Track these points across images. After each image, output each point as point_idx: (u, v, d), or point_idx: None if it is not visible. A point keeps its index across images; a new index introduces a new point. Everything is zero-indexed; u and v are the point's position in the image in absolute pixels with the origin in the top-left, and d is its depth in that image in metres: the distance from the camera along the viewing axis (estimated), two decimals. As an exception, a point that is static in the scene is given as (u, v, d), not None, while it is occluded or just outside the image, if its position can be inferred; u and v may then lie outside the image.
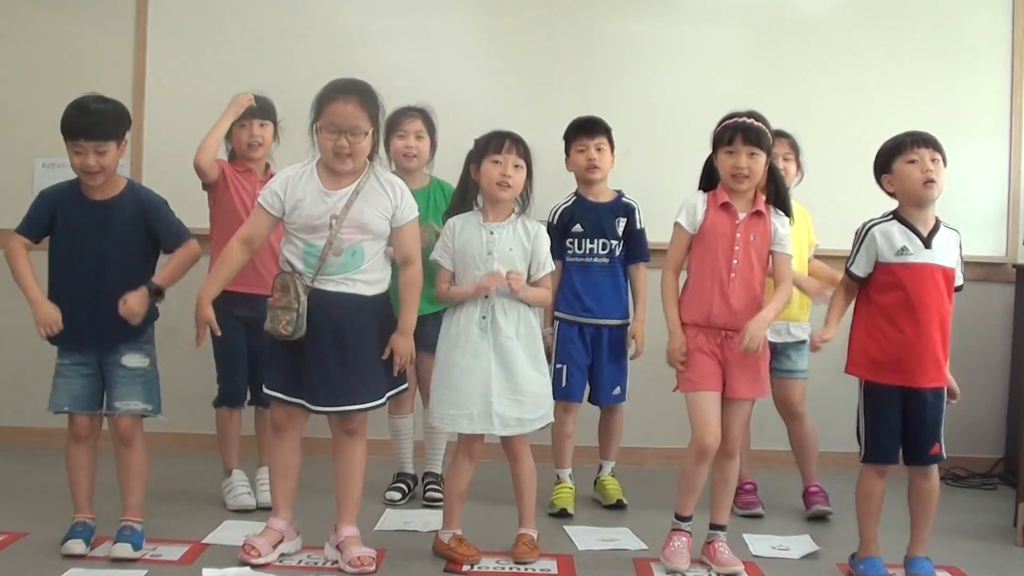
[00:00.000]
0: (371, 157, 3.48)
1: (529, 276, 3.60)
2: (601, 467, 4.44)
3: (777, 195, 3.61)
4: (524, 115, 4.37)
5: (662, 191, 4.40)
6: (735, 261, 3.51)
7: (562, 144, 4.33)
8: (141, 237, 3.52)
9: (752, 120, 3.53)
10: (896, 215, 3.49)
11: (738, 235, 3.53)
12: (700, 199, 3.59)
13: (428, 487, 4.32)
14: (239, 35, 5.07)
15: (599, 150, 4.26)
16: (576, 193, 4.32)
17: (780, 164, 4.20)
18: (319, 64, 4.80)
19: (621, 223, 4.26)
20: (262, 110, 4.22)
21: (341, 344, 3.40)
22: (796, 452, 4.39)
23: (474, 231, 3.59)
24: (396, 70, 4.82)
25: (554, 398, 3.70)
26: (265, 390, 3.54)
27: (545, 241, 3.66)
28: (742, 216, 3.54)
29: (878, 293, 3.46)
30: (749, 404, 3.65)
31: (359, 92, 3.40)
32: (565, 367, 4.21)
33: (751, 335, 3.43)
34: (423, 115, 4.29)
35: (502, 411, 3.50)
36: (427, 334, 3.88)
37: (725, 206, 3.55)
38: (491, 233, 3.58)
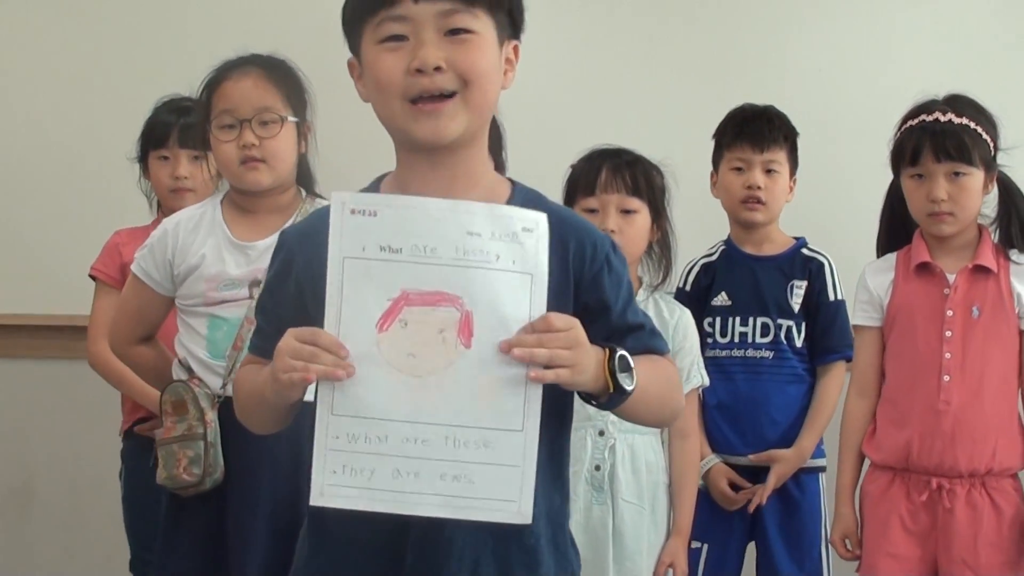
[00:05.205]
0: (307, 184, 2.35)
1: None
2: None
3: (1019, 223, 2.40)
4: (617, 106, 3.13)
5: (839, 229, 2.98)
6: (947, 355, 2.32)
7: (686, 152, 2.64)
8: None
9: (945, 115, 2.32)
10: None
11: (949, 312, 2.35)
12: (879, 269, 2.47)
13: None
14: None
15: (769, 172, 2.67)
16: (726, 240, 2.78)
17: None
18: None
19: (798, 291, 2.69)
20: (198, 129, 2.54)
21: (281, 487, 2.13)
22: None
23: None
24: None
25: None
26: None
27: (693, 336, 2.45)
28: (953, 278, 2.37)
29: None
30: None
31: (263, 64, 2.28)
32: (705, 546, 2.66)
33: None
34: None
35: None
36: None
37: (925, 268, 2.40)
38: None
